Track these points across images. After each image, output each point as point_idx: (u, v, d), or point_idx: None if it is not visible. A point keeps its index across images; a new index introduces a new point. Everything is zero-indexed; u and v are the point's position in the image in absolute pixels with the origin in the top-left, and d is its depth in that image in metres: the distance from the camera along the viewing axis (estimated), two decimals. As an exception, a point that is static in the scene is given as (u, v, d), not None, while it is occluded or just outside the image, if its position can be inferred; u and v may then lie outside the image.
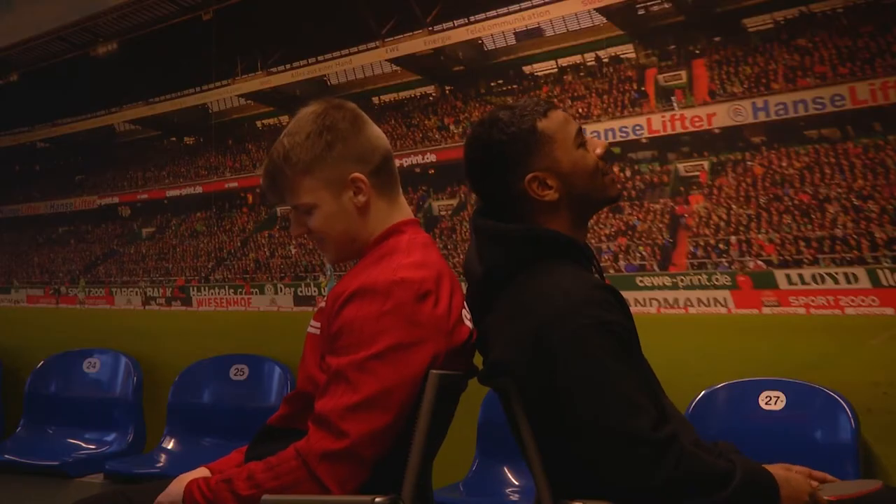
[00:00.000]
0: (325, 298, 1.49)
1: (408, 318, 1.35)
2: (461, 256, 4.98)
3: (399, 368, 1.33)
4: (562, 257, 1.43)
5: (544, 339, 1.32)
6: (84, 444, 3.22)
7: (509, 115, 1.50)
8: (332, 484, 1.31)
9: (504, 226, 1.47)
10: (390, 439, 1.36)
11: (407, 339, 1.34)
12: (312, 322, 1.49)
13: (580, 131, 1.50)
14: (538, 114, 1.47)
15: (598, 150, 1.48)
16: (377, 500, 1.32)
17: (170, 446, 3.05)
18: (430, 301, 1.39)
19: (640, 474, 1.24)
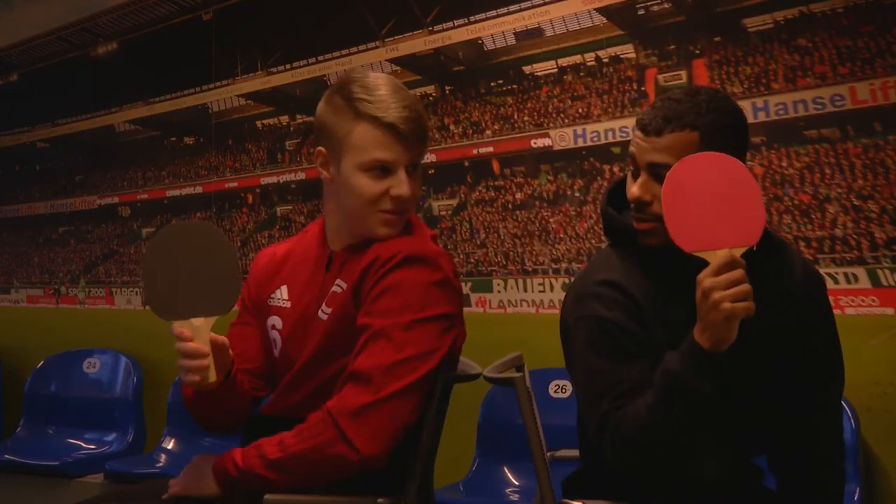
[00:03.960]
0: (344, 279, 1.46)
1: (451, 294, 1.37)
2: (461, 257, 5.00)
3: (441, 337, 1.34)
4: (631, 247, 1.43)
5: (567, 318, 1.40)
6: (84, 444, 3.22)
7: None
8: (360, 441, 1.27)
9: (604, 204, 1.49)
10: (419, 402, 1.34)
11: (450, 312, 1.36)
12: (324, 308, 1.42)
13: (633, 160, 1.37)
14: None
15: (628, 195, 1.38)
16: (380, 500, 1.33)
17: (170, 446, 3.05)
18: (460, 282, 1.42)
19: (604, 456, 1.30)
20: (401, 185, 1.38)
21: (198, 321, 1.31)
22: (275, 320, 1.47)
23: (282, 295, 1.48)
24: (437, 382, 1.43)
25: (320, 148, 1.41)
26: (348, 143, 1.37)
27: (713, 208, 1.24)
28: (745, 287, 1.19)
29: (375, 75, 1.41)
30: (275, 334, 1.47)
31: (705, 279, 1.21)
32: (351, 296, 1.38)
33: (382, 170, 1.37)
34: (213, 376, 1.30)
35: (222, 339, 1.33)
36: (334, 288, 1.42)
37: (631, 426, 1.27)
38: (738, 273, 1.20)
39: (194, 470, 1.35)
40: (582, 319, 1.37)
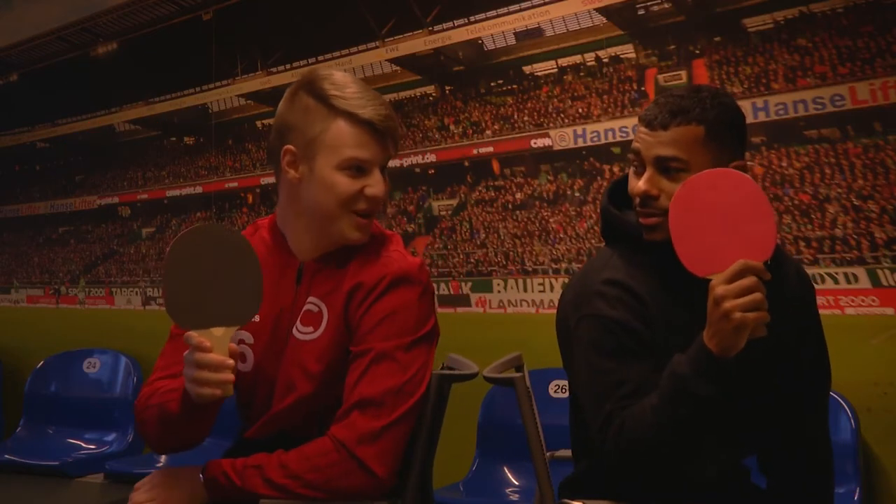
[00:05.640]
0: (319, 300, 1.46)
1: (432, 301, 1.42)
2: (461, 257, 5.01)
3: (431, 349, 1.40)
4: (631, 246, 1.43)
5: (567, 317, 1.42)
6: (84, 444, 3.22)
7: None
8: (378, 466, 1.30)
9: (605, 202, 1.48)
10: (416, 417, 1.38)
11: (435, 323, 1.42)
12: (300, 327, 1.42)
13: (637, 156, 1.39)
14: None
15: (633, 190, 1.40)
16: (377, 502, 1.33)
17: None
18: (432, 281, 1.46)
19: (606, 458, 1.33)
20: (376, 184, 1.39)
21: (218, 331, 1.25)
22: (243, 334, 1.44)
23: None
24: (433, 385, 1.44)
25: (288, 146, 1.39)
26: (323, 140, 1.37)
27: (721, 229, 1.21)
28: (758, 296, 1.18)
29: (341, 73, 1.42)
30: (244, 348, 1.45)
31: (718, 286, 1.19)
32: (342, 324, 1.39)
33: (358, 169, 1.38)
34: (231, 390, 1.24)
35: (236, 349, 1.28)
36: (308, 306, 1.42)
37: (636, 427, 1.27)
38: (752, 281, 1.19)
39: (172, 486, 1.32)
40: (586, 318, 1.37)
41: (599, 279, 1.39)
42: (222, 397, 1.25)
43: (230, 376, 1.24)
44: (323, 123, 1.38)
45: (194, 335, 1.24)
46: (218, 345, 1.24)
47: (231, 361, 1.25)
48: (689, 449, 1.28)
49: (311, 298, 1.42)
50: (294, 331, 1.42)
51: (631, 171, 1.41)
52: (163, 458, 2.99)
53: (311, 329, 1.41)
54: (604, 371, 1.33)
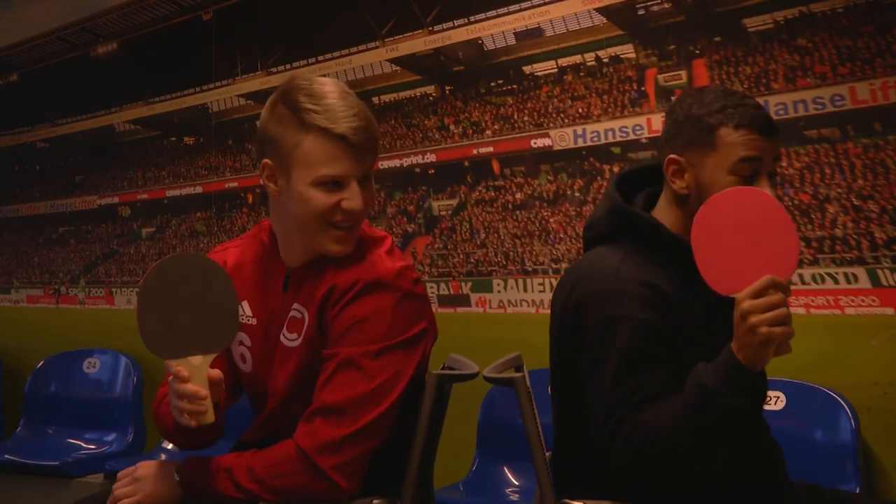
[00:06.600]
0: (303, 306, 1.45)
1: (416, 307, 1.40)
2: (461, 257, 5.00)
3: (409, 357, 1.38)
4: (643, 244, 1.42)
5: (582, 313, 1.41)
6: (84, 444, 3.23)
7: (712, 98, 1.41)
8: (339, 476, 1.31)
9: (614, 193, 1.48)
10: (389, 423, 1.37)
11: (417, 331, 1.39)
12: (286, 334, 1.45)
13: (745, 161, 1.37)
14: (730, 121, 1.38)
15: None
16: (375, 501, 1.33)
17: (170, 446, 3.05)
18: (422, 285, 1.44)
19: (615, 457, 1.33)
20: (353, 197, 1.38)
21: (196, 359, 1.28)
22: (241, 336, 1.48)
23: (245, 311, 1.48)
24: (430, 384, 1.45)
25: (266, 160, 1.40)
26: (297, 156, 1.37)
27: (745, 247, 1.23)
28: (784, 311, 1.20)
29: (322, 81, 1.41)
30: (243, 350, 1.49)
31: (744, 301, 1.21)
32: (316, 328, 1.40)
33: (334, 184, 1.38)
34: (210, 417, 1.28)
35: (217, 374, 1.30)
36: (293, 312, 1.44)
37: (652, 430, 1.27)
38: (778, 297, 1.21)
39: (154, 480, 1.37)
40: (616, 319, 1.35)
41: (627, 277, 1.38)
42: (198, 426, 1.28)
43: (203, 406, 1.26)
44: (296, 137, 1.37)
45: (173, 364, 1.27)
46: (196, 373, 1.27)
47: (205, 392, 1.27)
48: (708, 454, 1.28)
49: (295, 305, 1.43)
50: (281, 337, 1.44)
51: (734, 178, 1.38)
52: (163, 456, 2.99)
53: (295, 336, 1.43)
54: (627, 373, 1.33)
